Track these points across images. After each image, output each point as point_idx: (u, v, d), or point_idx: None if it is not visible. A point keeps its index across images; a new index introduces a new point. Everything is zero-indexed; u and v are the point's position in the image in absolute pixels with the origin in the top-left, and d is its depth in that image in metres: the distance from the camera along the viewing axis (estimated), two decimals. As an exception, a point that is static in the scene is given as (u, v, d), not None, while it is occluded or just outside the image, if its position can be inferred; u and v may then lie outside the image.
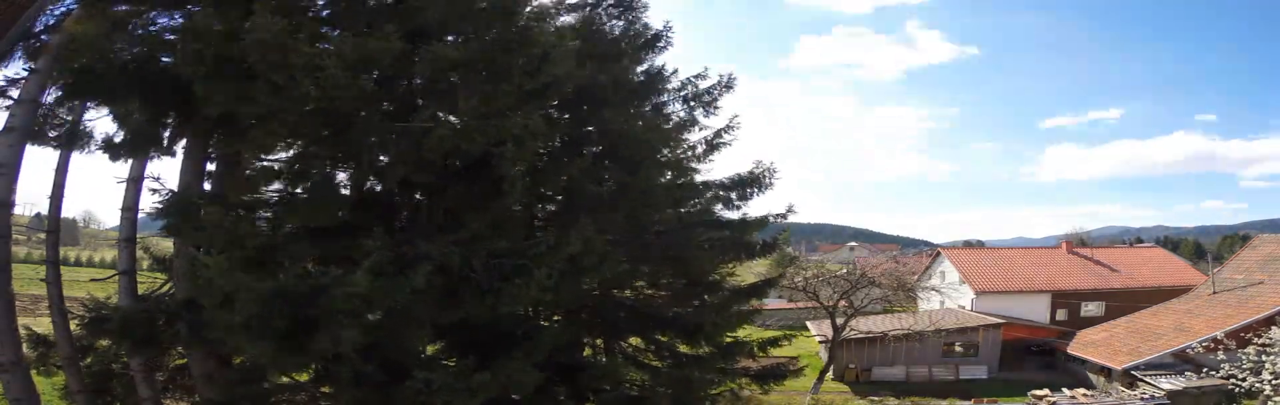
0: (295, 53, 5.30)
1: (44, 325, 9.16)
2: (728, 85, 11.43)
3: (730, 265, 12.49)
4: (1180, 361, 21.01)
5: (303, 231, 7.19)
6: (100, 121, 8.65)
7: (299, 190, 7.61)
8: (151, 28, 6.58)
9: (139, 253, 8.86)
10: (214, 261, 5.31)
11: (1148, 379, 20.44)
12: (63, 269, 8.94)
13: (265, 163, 7.92)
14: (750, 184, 10.91)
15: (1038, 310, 30.42)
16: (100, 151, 7.29)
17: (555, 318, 10.23)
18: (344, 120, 5.98)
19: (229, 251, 5.56)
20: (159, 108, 6.03)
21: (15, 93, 7.59)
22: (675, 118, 11.45)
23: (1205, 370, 19.34)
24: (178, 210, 6.66)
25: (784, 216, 11.47)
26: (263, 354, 5.68)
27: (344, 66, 5.54)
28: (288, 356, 5.75)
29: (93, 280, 9.39)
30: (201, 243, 5.81)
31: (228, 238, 5.70)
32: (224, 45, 5.28)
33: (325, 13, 6.94)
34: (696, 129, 11.50)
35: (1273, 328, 15.88)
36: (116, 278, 8.37)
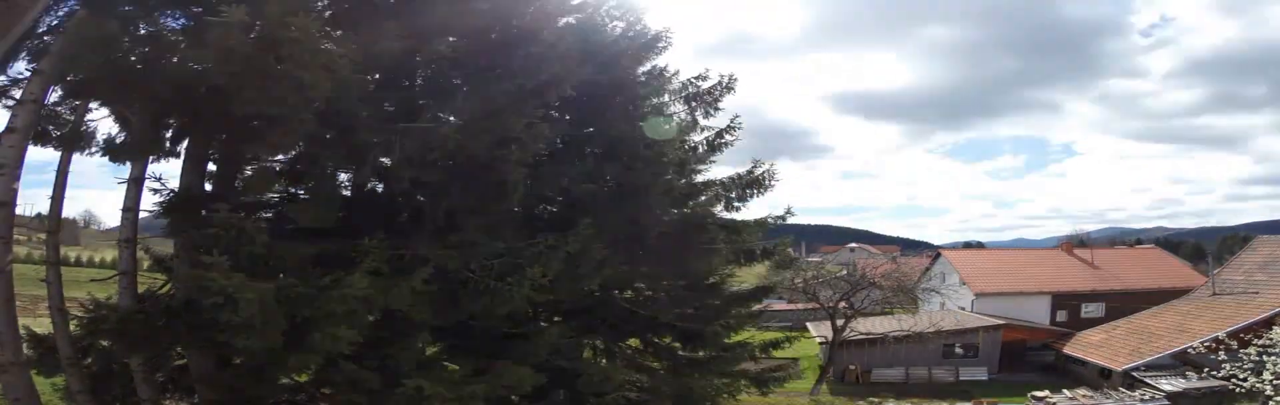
0: (318, 52, 5.33)
1: (44, 325, 9.14)
2: (728, 86, 11.45)
3: (730, 268, 12.50)
4: (1180, 363, 20.99)
5: (302, 232, 7.19)
6: (102, 122, 8.64)
7: (300, 191, 7.61)
8: (152, 28, 6.59)
9: (139, 253, 8.84)
10: (216, 261, 5.31)
11: (1148, 380, 20.43)
12: (63, 269, 8.92)
13: (265, 164, 7.93)
14: (750, 185, 10.92)
15: (1038, 311, 30.39)
16: (101, 153, 7.28)
17: (555, 319, 10.23)
18: (346, 121, 5.99)
19: (234, 251, 5.57)
20: (163, 109, 6.03)
21: (17, 93, 7.59)
22: (676, 119, 11.47)
23: (1206, 371, 19.30)
24: (180, 210, 6.66)
25: (783, 218, 11.49)
26: (266, 355, 5.68)
27: (352, 67, 5.55)
28: (288, 356, 5.75)
29: (93, 280, 9.37)
30: (205, 242, 5.81)
31: (235, 237, 5.71)
32: (251, 42, 5.29)
33: (328, 13, 6.96)
34: (698, 130, 11.53)
35: (1274, 327, 15.86)
36: (116, 278, 8.36)
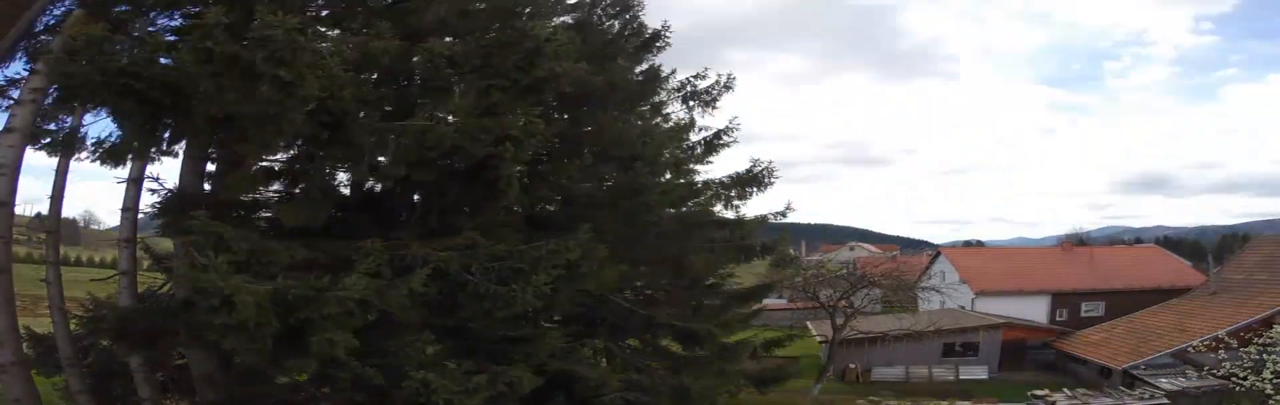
0: (302, 51, 5.32)
1: (44, 325, 9.16)
2: (727, 85, 11.47)
3: (729, 266, 12.50)
4: (1180, 361, 21.00)
5: (300, 232, 7.20)
6: (101, 123, 8.65)
7: (297, 191, 7.61)
8: (150, 28, 6.59)
9: (139, 253, 8.86)
10: (214, 263, 5.32)
11: (1148, 379, 20.43)
12: (63, 269, 8.94)
13: (265, 163, 7.93)
14: (749, 183, 10.91)
15: (1038, 310, 30.39)
16: (98, 154, 7.29)
17: (555, 319, 10.23)
18: (343, 120, 6.00)
19: (223, 253, 5.57)
20: (157, 110, 6.03)
21: (16, 93, 7.60)
22: (674, 118, 11.50)
23: (1206, 369, 19.32)
24: (176, 210, 6.66)
25: (783, 215, 11.50)
26: (260, 357, 5.68)
27: (345, 66, 5.55)
28: (285, 359, 5.75)
29: (93, 280, 9.40)
30: (193, 244, 5.82)
31: (216, 240, 5.71)
32: (230, 43, 5.29)
33: (325, 13, 6.97)
34: (697, 130, 11.54)
35: (1274, 326, 15.88)
36: (117, 278, 8.38)
